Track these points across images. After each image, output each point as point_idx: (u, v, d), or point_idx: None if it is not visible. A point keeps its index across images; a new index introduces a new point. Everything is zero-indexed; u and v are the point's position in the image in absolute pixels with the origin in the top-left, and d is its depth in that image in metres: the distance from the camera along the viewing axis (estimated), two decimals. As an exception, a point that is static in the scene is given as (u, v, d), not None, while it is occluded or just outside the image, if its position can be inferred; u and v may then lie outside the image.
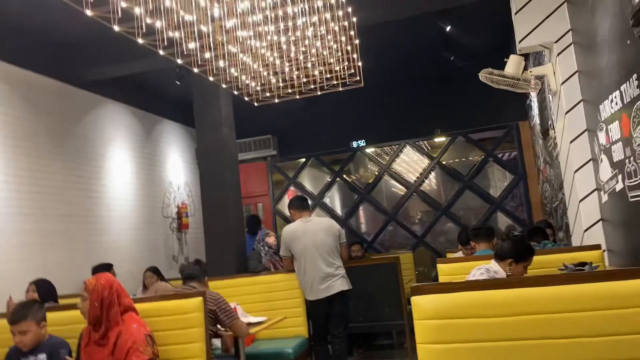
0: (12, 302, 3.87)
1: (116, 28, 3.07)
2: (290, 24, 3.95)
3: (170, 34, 3.39)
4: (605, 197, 3.58)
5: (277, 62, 4.32)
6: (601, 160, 3.53)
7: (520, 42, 4.18)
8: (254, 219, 7.34)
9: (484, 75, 4.22)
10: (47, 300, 3.86)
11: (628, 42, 2.77)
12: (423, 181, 8.91)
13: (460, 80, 7.51)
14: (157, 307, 3.02)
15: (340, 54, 4.47)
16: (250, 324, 3.95)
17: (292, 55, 4.24)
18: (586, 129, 3.84)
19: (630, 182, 2.97)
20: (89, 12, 2.84)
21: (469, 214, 8.91)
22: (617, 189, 3.23)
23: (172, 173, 8.73)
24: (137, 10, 3.07)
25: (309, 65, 4.47)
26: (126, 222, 7.34)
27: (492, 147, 8.56)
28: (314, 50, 4.29)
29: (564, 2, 3.99)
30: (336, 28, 4.22)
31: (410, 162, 9.25)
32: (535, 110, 6.68)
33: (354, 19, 4.32)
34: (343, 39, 4.35)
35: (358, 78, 4.57)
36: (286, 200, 9.14)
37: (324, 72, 4.56)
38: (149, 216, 7.89)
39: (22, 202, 5.62)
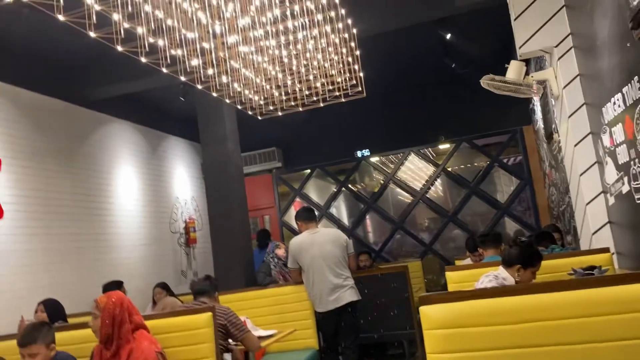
0: (24, 322, 3.88)
1: (119, 48, 3.11)
2: (291, 37, 3.99)
3: (173, 52, 3.43)
4: (612, 200, 3.57)
5: (280, 75, 4.35)
6: (606, 163, 3.53)
7: (520, 47, 4.19)
8: (264, 233, 7.35)
9: (485, 82, 4.23)
10: (56, 320, 3.88)
11: (628, 44, 2.78)
12: (429, 188, 8.90)
13: (462, 86, 7.52)
14: (167, 324, 3.03)
15: (341, 65, 4.51)
16: (260, 338, 3.95)
17: (294, 68, 4.27)
18: (590, 132, 3.83)
19: (636, 185, 2.97)
20: (92, 34, 2.88)
21: (476, 220, 8.88)
22: (624, 192, 3.22)
23: (178, 188, 8.76)
24: (140, 30, 3.10)
25: (311, 77, 4.50)
26: (134, 239, 7.37)
27: (497, 153, 8.55)
28: (315, 63, 4.33)
29: (562, 7, 4.00)
30: (337, 40, 4.25)
31: (415, 169, 9.25)
32: (538, 115, 6.68)
33: (354, 31, 4.36)
34: (344, 50, 4.39)
35: (360, 89, 4.59)
36: (292, 212, 9.16)
37: (326, 83, 4.58)
38: (157, 232, 7.92)
39: (30, 222, 5.66)
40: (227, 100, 4.50)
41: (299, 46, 4.08)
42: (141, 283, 6.90)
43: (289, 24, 3.76)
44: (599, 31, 3.29)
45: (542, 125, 6.30)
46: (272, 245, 5.95)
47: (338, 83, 4.58)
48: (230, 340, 3.63)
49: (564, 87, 4.00)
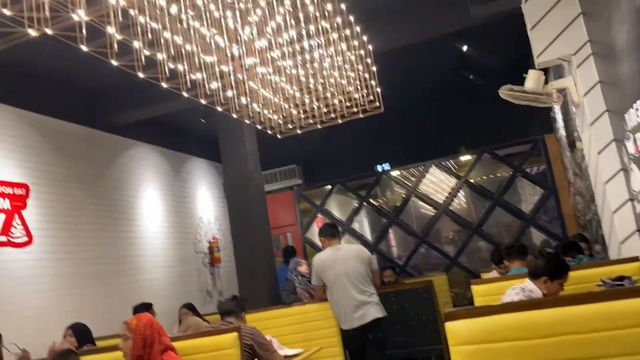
0: (56, 347, 3.94)
1: (141, 75, 3.18)
2: (307, 57, 4.03)
3: (193, 76, 3.49)
4: (639, 207, 3.50)
5: (298, 94, 4.39)
6: (632, 170, 3.46)
7: (537, 57, 4.17)
8: (290, 250, 7.35)
9: (504, 92, 4.21)
10: (85, 343, 3.93)
11: (648, 50, 2.74)
12: (452, 200, 8.82)
13: (481, 97, 7.48)
14: (193, 345, 3.04)
15: (358, 82, 4.53)
16: (287, 357, 3.93)
17: (312, 86, 4.31)
18: (613, 139, 3.77)
19: (663, 191, 2.90)
20: (114, 62, 2.96)
21: (501, 231, 8.76)
22: (651, 199, 3.15)
23: (201, 208, 8.85)
24: (160, 56, 3.18)
25: (328, 95, 4.53)
26: (159, 260, 7.44)
27: (520, 162, 8.45)
28: (332, 80, 4.36)
29: (579, 15, 3.98)
30: (353, 57, 4.29)
31: (437, 182, 9.19)
32: (560, 123, 6.61)
33: (370, 47, 4.39)
34: (360, 67, 4.42)
35: (378, 104, 4.61)
36: (315, 228, 9.16)
37: (343, 100, 4.61)
38: (182, 253, 7.99)
39: (58, 246, 5.77)
40: (247, 121, 4.56)
41: (316, 65, 4.12)
42: (167, 304, 6.95)
43: (305, 43, 3.80)
44: (618, 37, 3.26)
45: (564, 134, 6.22)
46: (293, 263, 5.94)
47: (355, 99, 4.60)
48: (256, 360, 3.63)
49: (585, 94, 3.95)
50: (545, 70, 4.79)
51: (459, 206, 9.13)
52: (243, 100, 4.08)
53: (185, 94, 3.53)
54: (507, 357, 1.85)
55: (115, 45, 2.82)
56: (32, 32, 2.43)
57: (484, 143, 8.51)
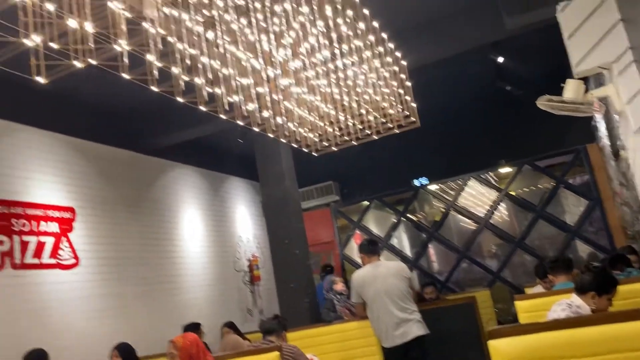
0: None
1: (180, 99, 3.28)
2: (341, 75, 4.07)
3: (230, 98, 3.57)
4: (691, 218, 3.36)
5: (332, 112, 4.43)
6: (681, 179, 3.33)
7: (576, 66, 4.08)
8: (326, 268, 7.34)
9: (542, 103, 4.13)
10: (132, 363, 4.01)
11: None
12: (493, 214, 8.65)
13: (519, 108, 7.37)
14: (235, 364, 3.07)
15: (393, 97, 4.54)
16: (328, 376, 3.91)
17: (346, 104, 4.34)
18: (660, 147, 3.65)
19: None
20: (154, 88, 3.06)
21: (545, 244, 8.52)
22: None
23: (240, 227, 8.95)
24: (198, 81, 3.27)
25: (363, 111, 4.55)
26: (200, 279, 7.55)
27: (562, 173, 8.24)
28: (366, 97, 4.38)
29: (619, 21, 3.89)
30: (387, 74, 4.30)
31: (477, 195, 9.04)
32: (602, 132, 6.42)
33: (404, 63, 4.39)
34: (395, 83, 4.43)
35: (414, 119, 4.60)
36: (353, 245, 9.13)
37: (378, 116, 4.62)
38: (222, 271, 8.09)
39: (103, 267, 5.94)
40: (283, 140, 4.62)
41: (350, 82, 4.16)
42: (208, 323, 7.01)
43: (339, 62, 3.84)
44: (660, 43, 3.17)
45: (608, 143, 6.04)
46: (327, 282, 5.90)
47: (391, 115, 4.61)
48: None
49: (628, 102, 3.85)
50: (585, 79, 4.69)
51: (501, 219, 8.95)
52: (279, 120, 4.14)
53: (223, 116, 3.60)
54: (555, 376, 1.80)
55: (156, 72, 2.92)
56: (78, 64, 2.54)
57: (522, 154, 8.34)
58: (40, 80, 2.49)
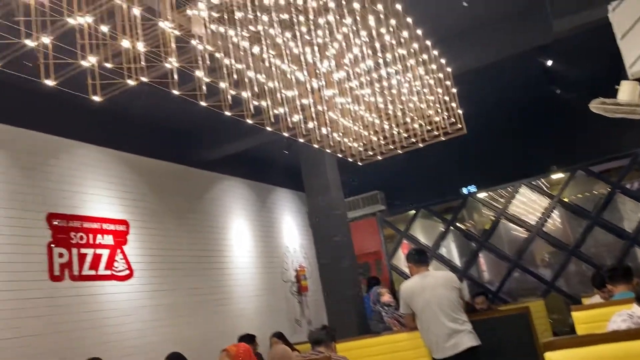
0: None
1: (227, 113, 3.36)
2: (385, 84, 4.07)
3: (276, 111, 3.63)
4: None
5: (377, 121, 4.43)
6: None
7: (630, 67, 3.93)
8: (372, 280, 7.29)
9: (595, 106, 4.00)
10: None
11: None
12: (545, 221, 8.39)
13: (570, 112, 7.15)
14: (285, 374, 3.08)
15: (438, 105, 4.49)
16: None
17: (391, 112, 4.33)
18: None
19: None
20: (203, 103, 3.15)
21: (602, 252, 8.17)
22: None
23: (287, 238, 9.03)
24: (245, 95, 3.34)
25: (408, 119, 4.52)
26: (249, 290, 7.65)
27: (618, 178, 7.91)
28: (411, 105, 4.36)
29: (675, 18, 3.73)
30: (431, 81, 4.27)
31: (528, 202, 8.79)
32: (662, 134, 6.14)
33: (449, 69, 4.35)
34: (440, 90, 4.39)
35: (460, 126, 4.54)
36: (400, 255, 9.03)
37: (424, 124, 4.58)
38: (270, 282, 8.16)
39: (155, 278, 6.11)
40: (328, 150, 4.64)
41: (394, 91, 4.15)
42: (257, 333, 7.07)
43: (383, 71, 3.84)
44: None
45: (668, 145, 5.77)
46: (373, 294, 5.85)
47: (436, 122, 4.56)
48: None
49: (688, 102, 3.67)
50: (640, 80, 4.51)
51: (554, 227, 8.65)
52: (324, 130, 4.18)
53: (269, 128, 3.67)
54: (617, 390, 1.72)
55: (204, 87, 3.01)
56: (131, 82, 2.65)
57: (576, 159, 8.06)
58: (96, 99, 2.61)
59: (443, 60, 4.25)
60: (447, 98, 4.47)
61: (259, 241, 8.23)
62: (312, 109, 3.87)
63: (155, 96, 4.64)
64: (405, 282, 4.83)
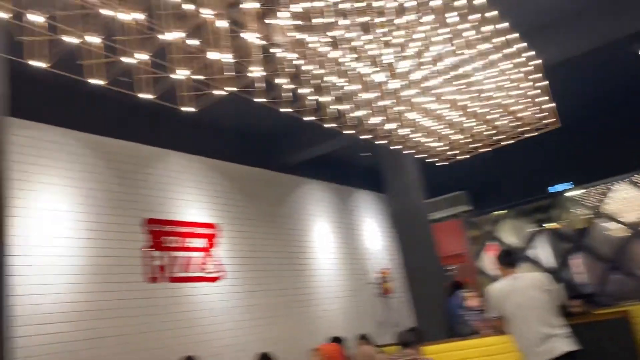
0: None
1: (309, 118, 3.42)
2: (469, 80, 3.96)
3: (356, 113, 3.65)
4: None
5: (461, 119, 4.32)
6: None
7: None
8: (454, 284, 7.11)
9: None
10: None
11: None
12: (646, 220, 7.79)
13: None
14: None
15: (527, 99, 4.31)
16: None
17: (476, 109, 4.21)
18: None
19: None
20: (286, 109, 3.23)
21: None
22: None
23: (369, 240, 9.01)
24: (325, 99, 3.39)
25: (495, 116, 4.37)
26: (333, 291, 7.71)
27: None
28: (498, 101, 4.21)
29: None
30: (519, 75, 4.10)
31: (627, 200, 8.20)
32: None
33: (539, 61, 4.15)
34: (529, 83, 4.20)
35: (554, 119, 4.33)
36: (486, 257, 8.74)
37: (512, 120, 4.42)
38: (353, 283, 8.19)
39: (245, 280, 6.32)
40: (409, 151, 4.60)
41: (479, 87, 4.03)
42: (342, 334, 7.13)
43: (466, 68, 3.75)
44: None
45: None
46: (457, 298, 5.68)
47: (525, 117, 4.38)
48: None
49: None
50: None
51: (656, 225, 8.01)
52: (404, 131, 4.14)
53: (349, 131, 3.69)
54: None
55: (287, 94, 3.09)
56: (220, 92, 2.77)
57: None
58: (189, 109, 2.75)
59: (532, 53, 4.06)
60: (537, 91, 4.28)
61: (341, 243, 8.29)
62: (392, 110, 3.85)
63: (240, 104, 4.82)
64: (493, 285, 4.66)
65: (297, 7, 2.81)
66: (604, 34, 5.29)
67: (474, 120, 4.34)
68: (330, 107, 3.46)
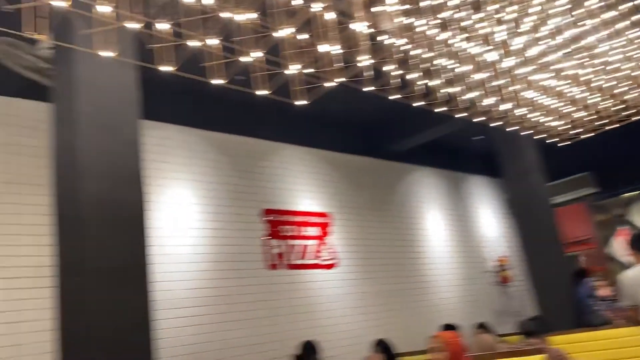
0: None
1: (419, 103, 3.39)
2: (592, 53, 3.68)
3: (467, 96, 3.55)
4: None
5: (584, 95, 4.03)
6: None
7: None
8: (579, 272, 6.66)
9: None
10: (391, 359, 4.24)
11: None
12: None
13: None
14: (495, 365, 3.01)
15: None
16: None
17: (601, 84, 3.90)
18: None
19: None
20: (395, 96, 3.23)
21: None
22: None
23: (485, 227, 8.71)
24: (434, 83, 3.33)
25: (623, 89, 4.03)
26: (447, 279, 7.57)
27: None
28: (627, 72, 3.87)
29: None
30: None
31: None
32: None
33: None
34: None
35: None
36: (615, 243, 8.08)
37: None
38: (468, 272, 7.98)
39: (358, 267, 6.42)
40: (526, 132, 4.38)
41: (603, 60, 3.73)
42: (459, 323, 6.99)
43: (588, 39, 3.49)
44: None
45: None
46: (585, 287, 5.30)
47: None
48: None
49: None
50: None
51: None
52: (521, 111, 3.95)
53: (460, 115, 3.60)
54: None
55: (396, 80, 3.08)
56: (330, 84, 2.84)
57: None
58: (301, 103, 2.85)
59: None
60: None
61: (455, 231, 8.10)
62: (507, 90, 3.70)
63: (348, 94, 4.88)
64: (626, 272, 4.32)
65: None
66: None
67: (600, 95, 4.02)
68: (441, 90, 3.40)
